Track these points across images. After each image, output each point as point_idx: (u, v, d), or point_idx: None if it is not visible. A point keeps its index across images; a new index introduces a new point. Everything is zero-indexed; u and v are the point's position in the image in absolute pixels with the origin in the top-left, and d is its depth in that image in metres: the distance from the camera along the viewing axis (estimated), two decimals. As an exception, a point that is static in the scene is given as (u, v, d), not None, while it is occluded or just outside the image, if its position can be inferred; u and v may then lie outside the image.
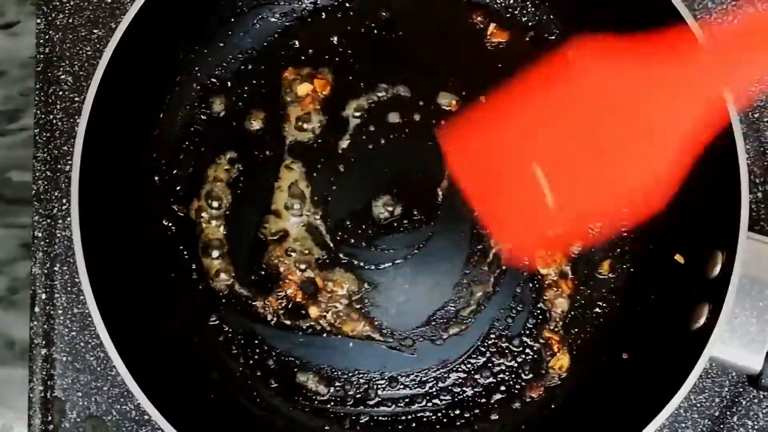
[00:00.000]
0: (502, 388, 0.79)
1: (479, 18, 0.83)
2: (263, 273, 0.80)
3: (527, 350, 0.79)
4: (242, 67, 0.84)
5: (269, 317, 0.80)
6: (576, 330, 0.80)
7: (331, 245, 0.80)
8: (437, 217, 0.81)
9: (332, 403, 0.79)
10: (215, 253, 0.80)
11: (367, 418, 0.79)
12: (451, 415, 0.78)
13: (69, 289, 0.81)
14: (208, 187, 0.81)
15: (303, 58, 0.83)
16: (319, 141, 0.82)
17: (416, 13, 0.84)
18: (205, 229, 0.81)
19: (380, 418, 0.79)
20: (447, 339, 0.79)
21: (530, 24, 0.84)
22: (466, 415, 0.78)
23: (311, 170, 0.81)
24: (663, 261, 0.77)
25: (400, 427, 0.78)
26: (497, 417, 0.78)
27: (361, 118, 0.82)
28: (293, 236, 0.80)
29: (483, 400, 0.79)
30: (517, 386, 0.79)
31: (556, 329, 0.79)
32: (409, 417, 0.79)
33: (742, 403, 0.79)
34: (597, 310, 0.80)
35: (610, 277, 0.80)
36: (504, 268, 0.80)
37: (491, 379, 0.79)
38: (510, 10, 0.84)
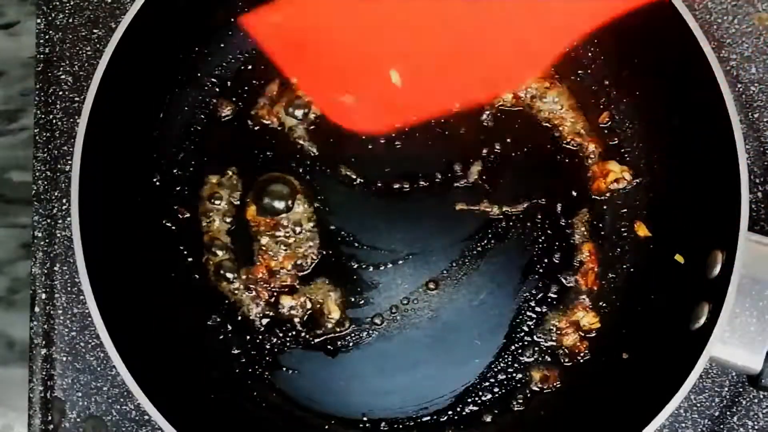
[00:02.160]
0: (502, 390, 0.79)
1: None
2: (264, 273, 0.80)
3: (529, 347, 0.79)
4: (242, 67, 0.84)
5: (269, 317, 0.80)
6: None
7: (332, 245, 0.80)
8: (437, 217, 0.81)
9: (333, 404, 0.79)
10: (218, 252, 0.80)
11: (367, 418, 0.79)
12: (451, 415, 0.78)
13: (69, 289, 0.81)
14: (211, 186, 0.81)
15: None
16: (320, 141, 0.82)
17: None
18: (209, 228, 0.81)
19: (380, 418, 0.79)
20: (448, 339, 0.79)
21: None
22: (464, 414, 0.78)
23: (312, 170, 0.81)
24: (663, 261, 0.77)
25: (400, 426, 0.78)
26: (496, 417, 0.78)
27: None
28: (294, 236, 0.80)
29: (481, 401, 0.79)
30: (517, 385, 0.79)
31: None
32: (409, 417, 0.79)
33: (742, 403, 0.79)
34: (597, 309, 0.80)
35: (611, 277, 0.80)
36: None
37: (492, 380, 0.79)
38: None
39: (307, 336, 0.79)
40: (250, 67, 0.83)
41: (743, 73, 0.83)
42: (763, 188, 0.81)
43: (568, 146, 0.82)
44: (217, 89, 0.83)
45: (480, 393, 0.79)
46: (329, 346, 0.79)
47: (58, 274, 0.81)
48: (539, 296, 0.80)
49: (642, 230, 0.80)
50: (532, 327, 0.79)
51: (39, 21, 0.84)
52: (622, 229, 0.81)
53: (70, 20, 0.84)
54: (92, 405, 0.79)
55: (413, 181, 0.81)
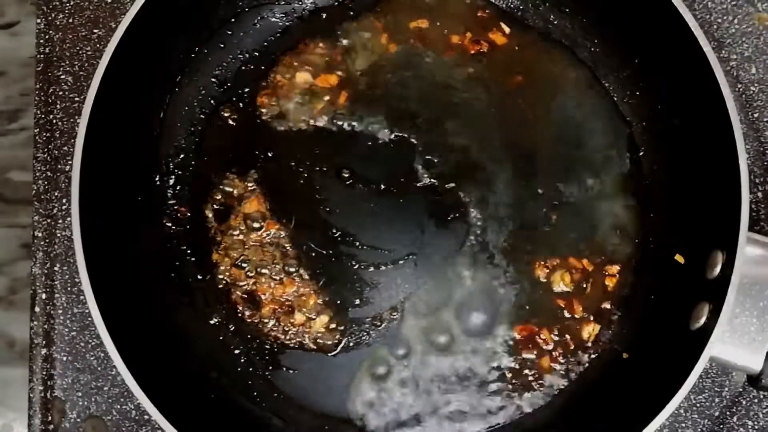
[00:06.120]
0: (504, 387, 0.79)
1: (482, 17, 0.83)
2: (265, 272, 0.80)
3: (528, 347, 0.79)
4: (242, 67, 0.84)
5: (271, 317, 0.80)
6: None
7: (332, 245, 0.80)
8: (437, 216, 0.81)
9: (333, 404, 0.79)
10: (221, 251, 0.80)
11: (367, 418, 0.79)
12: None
13: (69, 289, 0.81)
14: (216, 187, 0.81)
15: (302, 58, 0.83)
16: (320, 141, 0.82)
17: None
18: (213, 227, 0.81)
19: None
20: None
21: (530, 24, 0.84)
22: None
23: (313, 170, 0.81)
24: (663, 261, 0.77)
25: (400, 426, 0.78)
26: (496, 417, 0.78)
27: (361, 118, 0.82)
28: (296, 236, 0.80)
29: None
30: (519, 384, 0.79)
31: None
32: (409, 417, 0.79)
33: (742, 403, 0.79)
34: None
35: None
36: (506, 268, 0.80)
37: (492, 378, 0.79)
38: (512, 9, 0.84)
39: (307, 336, 0.79)
40: (250, 67, 0.84)
41: (743, 73, 0.83)
42: (763, 188, 0.81)
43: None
44: (217, 89, 0.83)
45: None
46: (329, 346, 0.79)
47: (58, 274, 0.81)
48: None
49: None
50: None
51: (39, 21, 0.84)
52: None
53: (70, 20, 0.84)
54: (92, 405, 0.79)
55: (413, 181, 0.81)
